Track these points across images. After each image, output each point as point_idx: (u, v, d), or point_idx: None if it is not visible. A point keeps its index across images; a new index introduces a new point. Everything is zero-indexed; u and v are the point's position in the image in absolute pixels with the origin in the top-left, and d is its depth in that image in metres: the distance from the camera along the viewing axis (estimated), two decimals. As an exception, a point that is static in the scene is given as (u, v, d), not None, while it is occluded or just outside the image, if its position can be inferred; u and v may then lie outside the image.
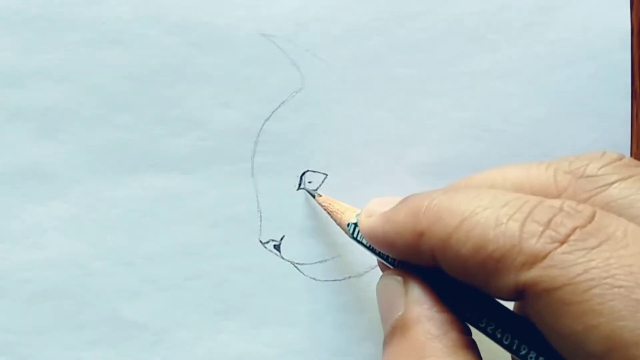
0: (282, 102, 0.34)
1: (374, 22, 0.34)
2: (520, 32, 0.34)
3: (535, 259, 0.21)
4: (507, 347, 0.23)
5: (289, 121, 0.34)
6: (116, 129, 0.34)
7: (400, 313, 0.25)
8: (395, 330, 0.25)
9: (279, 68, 0.34)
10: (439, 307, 0.24)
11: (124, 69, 0.33)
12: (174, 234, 0.34)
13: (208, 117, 0.34)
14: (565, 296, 0.20)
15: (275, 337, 0.34)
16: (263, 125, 0.34)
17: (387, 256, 0.27)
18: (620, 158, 0.25)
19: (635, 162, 0.25)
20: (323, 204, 0.32)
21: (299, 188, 0.34)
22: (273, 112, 0.34)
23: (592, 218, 0.21)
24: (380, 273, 0.28)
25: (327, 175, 0.34)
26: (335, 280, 0.34)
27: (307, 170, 0.34)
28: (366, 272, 0.34)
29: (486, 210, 0.22)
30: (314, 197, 0.33)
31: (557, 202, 0.22)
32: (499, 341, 0.23)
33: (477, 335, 0.24)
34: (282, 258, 0.34)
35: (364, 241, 0.28)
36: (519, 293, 0.21)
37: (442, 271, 0.24)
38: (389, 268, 0.28)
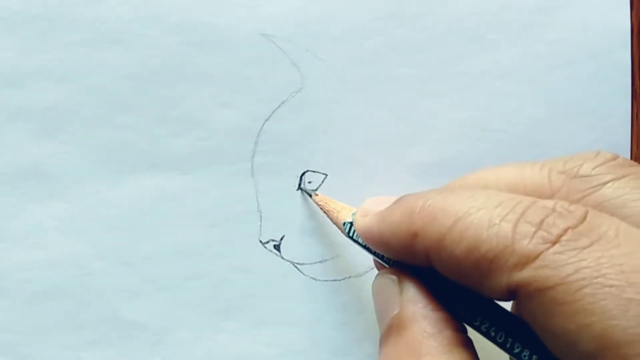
0: (282, 102, 0.34)
1: (373, 22, 0.34)
2: (520, 32, 0.34)
3: (527, 260, 0.21)
4: (501, 345, 0.23)
5: (289, 121, 0.34)
6: (116, 129, 0.34)
7: (395, 312, 0.25)
8: (391, 329, 0.25)
9: (279, 68, 0.34)
10: (434, 305, 0.24)
11: (124, 69, 0.33)
12: (174, 234, 0.34)
13: (208, 117, 0.34)
14: (557, 296, 0.20)
15: (275, 337, 0.34)
16: (263, 125, 0.34)
17: (383, 255, 0.27)
18: (614, 158, 0.25)
19: (629, 161, 0.25)
20: (319, 203, 0.32)
21: (298, 188, 0.34)
22: (273, 112, 0.34)
23: (584, 218, 0.21)
24: (378, 273, 0.28)
25: (327, 175, 0.34)
26: (335, 280, 0.34)
27: (307, 170, 0.34)
28: (366, 272, 0.34)
29: (480, 211, 0.22)
30: (310, 196, 0.33)
31: (549, 203, 0.22)
32: (493, 339, 0.23)
33: (472, 333, 0.24)
34: (282, 258, 0.34)
35: (360, 240, 0.28)
36: (512, 293, 0.21)
37: (436, 270, 0.24)
38: (385, 267, 0.28)
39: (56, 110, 0.33)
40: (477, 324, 0.24)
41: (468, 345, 0.24)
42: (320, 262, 0.34)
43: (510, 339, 0.23)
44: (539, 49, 0.34)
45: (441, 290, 0.25)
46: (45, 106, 0.33)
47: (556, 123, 0.34)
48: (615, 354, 0.19)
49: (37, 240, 0.33)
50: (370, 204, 0.28)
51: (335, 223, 0.31)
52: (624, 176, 0.24)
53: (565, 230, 0.21)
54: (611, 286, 0.19)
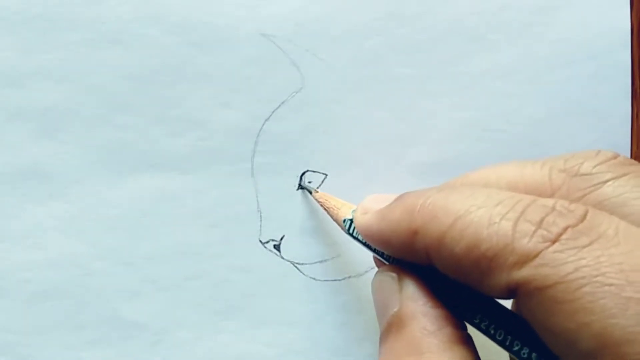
0: (282, 102, 0.34)
1: (373, 22, 0.34)
2: (520, 32, 0.34)
3: (527, 258, 0.21)
4: (501, 343, 0.23)
5: (289, 121, 0.34)
6: (116, 129, 0.34)
7: (395, 309, 0.25)
8: (391, 327, 0.25)
9: (279, 68, 0.34)
10: (434, 303, 0.24)
11: (124, 69, 0.33)
12: (174, 234, 0.34)
13: (208, 117, 0.34)
14: (556, 294, 0.20)
15: (275, 337, 0.34)
16: (263, 125, 0.34)
17: (383, 252, 0.27)
18: (615, 156, 0.25)
19: (630, 160, 0.25)
20: (320, 200, 0.32)
21: (298, 188, 0.34)
22: (273, 112, 0.34)
23: (584, 217, 0.21)
24: (379, 272, 0.28)
25: (326, 175, 0.34)
26: (335, 280, 0.34)
27: (307, 170, 0.34)
28: (366, 272, 0.34)
29: (480, 209, 0.22)
30: (310, 193, 0.33)
31: (549, 202, 0.22)
32: (492, 337, 0.23)
33: (472, 331, 0.24)
34: (282, 258, 0.34)
35: (360, 237, 0.28)
36: (512, 291, 0.21)
37: (436, 268, 0.24)
38: (385, 264, 0.28)
39: (56, 110, 0.33)
40: (476, 321, 0.24)
41: (468, 342, 0.24)
42: (320, 262, 0.34)
43: (509, 337, 0.23)
44: (539, 49, 0.34)
45: (441, 288, 0.25)
46: (45, 106, 0.33)
47: (556, 123, 0.34)
48: (615, 353, 0.19)
49: (37, 240, 0.33)
50: (371, 202, 0.28)
51: (335, 220, 0.31)
52: (624, 175, 0.24)
53: (565, 229, 0.21)
54: (610, 285, 0.19)
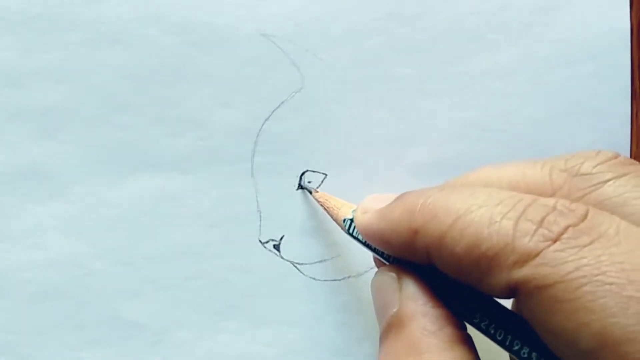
0: (282, 102, 0.34)
1: (374, 22, 0.34)
2: (520, 32, 0.34)
3: (527, 257, 0.21)
4: (500, 343, 0.23)
5: (289, 121, 0.34)
6: (116, 129, 0.34)
7: (395, 309, 0.25)
8: (390, 327, 0.25)
9: (279, 68, 0.34)
10: (434, 302, 0.24)
11: (124, 69, 0.33)
12: (174, 234, 0.34)
13: (208, 117, 0.34)
14: (557, 294, 0.20)
15: (275, 337, 0.34)
16: (263, 125, 0.34)
17: (383, 252, 0.27)
18: (616, 156, 0.25)
19: (630, 160, 0.25)
20: (319, 200, 0.32)
21: (298, 188, 0.34)
22: (273, 112, 0.34)
23: (585, 216, 0.21)
24: (378, 272, 0.28)
25: (326, 175, 0.34)
26: (334, 280, 0.34)
27: (307, 170, 0.34)
28: (366, 271, 0.34)
29: (480, 208, 0.22)
30: (310, 192, 0.33)
31: (550, 201, 0.22)
32: (492, 337, 0.23)
33: (472, 331, 0.24)
34: (282, 258, 0.34)
35: (360, 237, 0.28)
36: (512, 291, 0.21)
37: (436, 267, 0.24)
38: (384, 264, 0.28)
39: (56, 110, 0.33)
40: (476, 321, 0.24)
41: (468, 342, 0.24)
42: (320, 262, 0.34)
43: (509, 337, 0.23)
44: (539, 49, 0.34)
45: (440, 288, 0.25)
46: (45, 106, 0.33)
47: (556, 123, 0.34)
48: (615, 352, 0.19)
49: (37, 240, 0.33)
50: (371, 201, 0.28)
51: (335, 220, 0.31)
52: (624, 174, 0.24)
53: (566, 229, 0.21)
54: (611, 284, 0.19)
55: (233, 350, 0.34)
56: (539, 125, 0.34)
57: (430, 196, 0.24)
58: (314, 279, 0.34)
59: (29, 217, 0.33)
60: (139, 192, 0.34)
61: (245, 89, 0.34)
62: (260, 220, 0.34)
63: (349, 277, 0.34)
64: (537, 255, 0.21)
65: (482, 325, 0.24)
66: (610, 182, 0.24)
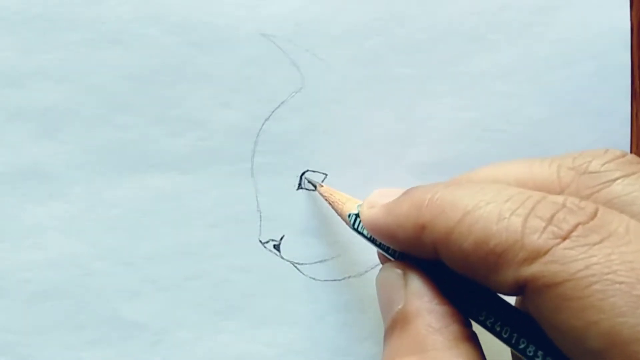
0: (282, 102, 0.34)
1: (374, 22, 0.34)
2: (520, 32, 0.34)
3: (536, 255, 0.21)
4: (506, 341, 0.23)
5: (289, 121, 0.34)
6: (116, 129, 0.34)
7: (400, 306, 0.25)
8: (395, 324, 0.25)
9: (279, 68, 0.34)
10: (439, 299, 0.24)
11: (124, 69, 0.33)
12: (174, 234, 0.34)
13: (208, 117, 0.34)
14: (566, 292, 0.20)
15: (275, 337, 0.34)
16: (263, 125, 0.34)
17: (388, 248, 0.27)
18: (624, 155, 0.25)
19: (638, 159, 0.25)
20: (324, 194, 0.32)
21: (298, 188, 0.34)
22: (273, 112, 0.34)
23: (594, 214, 0.21)
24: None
25: (326, 175, 0.34)
26: (335, 280, 0.34)
27: (307, 170, 0.34)
28: (366, 271, 0.34)
29: (489, 204, 0.22)
30: (315, 187, 0.33)
31: (560, 198, 0.22)
32: (498, 334, 0.23)
33: (477, 328, 0.24)
34: (282, 258, 0.34)
35: (365, 232, 0.28)
36: (520, 288, 0.21)
37: (441, 263, 0.24)
38: (389, 260, 0.27)
39: (56, 110, 0.33)
40: (482, 318, 0.24)
41: (473, 339, 0.24)
42: (320, 262, 0.34)
43: (515, 335, 0.23)
44: (539, 49, 0.34)
45: (446, 284, 0.25)
46: (45, 106, 0.33)
47: (556, 123, 0.34)
48: (623, 351, 0.19)
49: (37, 240, 0.33)
50: (377, 196, 0.27)
51: (340, 214, 0.31)
52: (633, 173, 0.24)
53: (576, 226, 0.21)
54: (621, 283, 0.19)
55: (233, 350, 0.34)
56: (539, 125, 0.34)
57: (438, 191, 0.24)
58: (314, 279, 0.34)
59: (29, 217, 0.33)
60: (139, 192, 0.34)
61: (245, 89, 0.34)
62: (260, 220, 0.34)
63: (349, 277, 0.34)
64: (546, 252, 0.20)
65: (488, 322, 0.24)
66: (619, 181, 0.24)
